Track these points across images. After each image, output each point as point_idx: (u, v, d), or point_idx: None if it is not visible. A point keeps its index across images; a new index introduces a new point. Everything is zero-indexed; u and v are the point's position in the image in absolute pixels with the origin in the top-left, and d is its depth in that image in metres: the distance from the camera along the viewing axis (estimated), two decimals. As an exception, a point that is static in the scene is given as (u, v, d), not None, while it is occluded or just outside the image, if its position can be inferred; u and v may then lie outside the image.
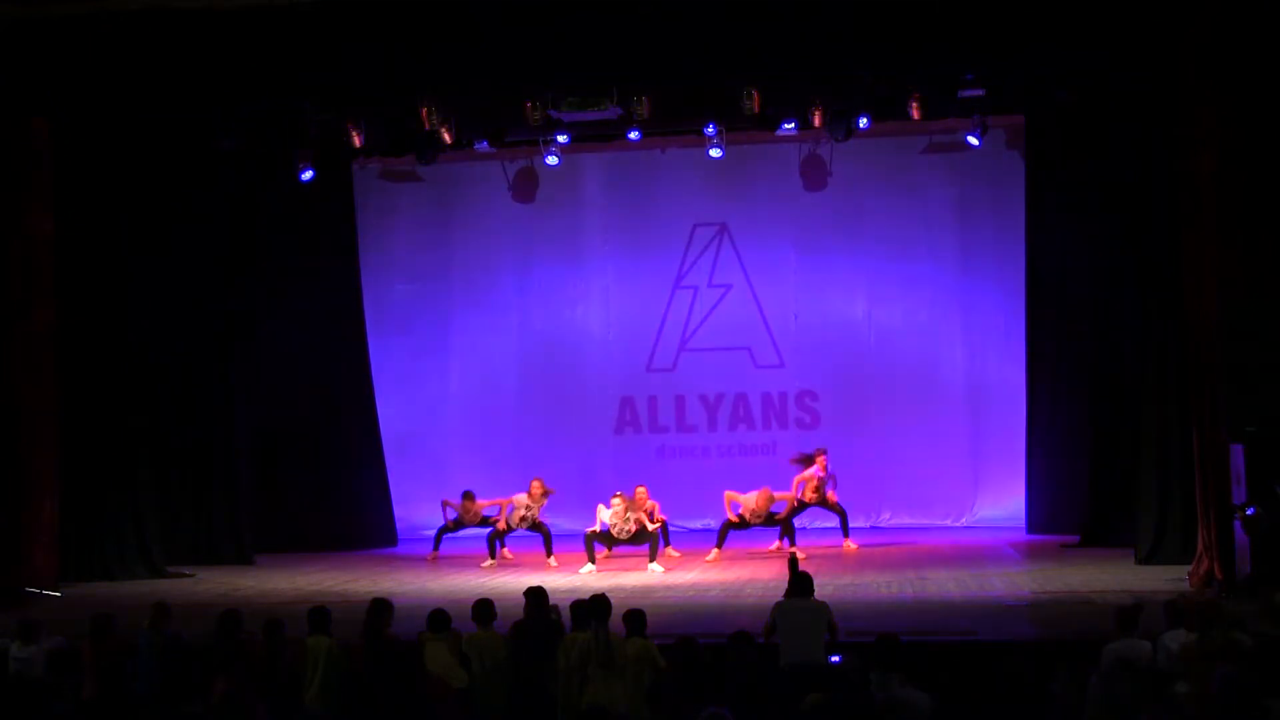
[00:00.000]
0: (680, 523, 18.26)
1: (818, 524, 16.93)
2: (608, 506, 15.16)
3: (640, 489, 15.48)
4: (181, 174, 16.73)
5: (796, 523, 15.90)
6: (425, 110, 14.87)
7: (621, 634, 9.13)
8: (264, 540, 17.26)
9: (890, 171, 18.50)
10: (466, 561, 15.93)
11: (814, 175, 18.65)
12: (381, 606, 9.67)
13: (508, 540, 16.13)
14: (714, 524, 17.99)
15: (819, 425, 18.41)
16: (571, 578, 14.44)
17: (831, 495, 16.03)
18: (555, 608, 9.91)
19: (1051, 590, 12.92)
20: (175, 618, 10.26)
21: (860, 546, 16.18)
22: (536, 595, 9.84)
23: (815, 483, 15.92)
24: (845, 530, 16.21)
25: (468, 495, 16.12)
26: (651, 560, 14.95)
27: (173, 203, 16.72)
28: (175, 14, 13.58)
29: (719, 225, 18.98)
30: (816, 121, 15.40)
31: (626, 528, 14.98)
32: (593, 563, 14.96)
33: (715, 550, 15.56)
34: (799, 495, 15.87)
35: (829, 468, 16.00)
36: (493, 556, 15.87)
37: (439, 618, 9.55)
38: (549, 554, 15.52)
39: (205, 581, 15.34)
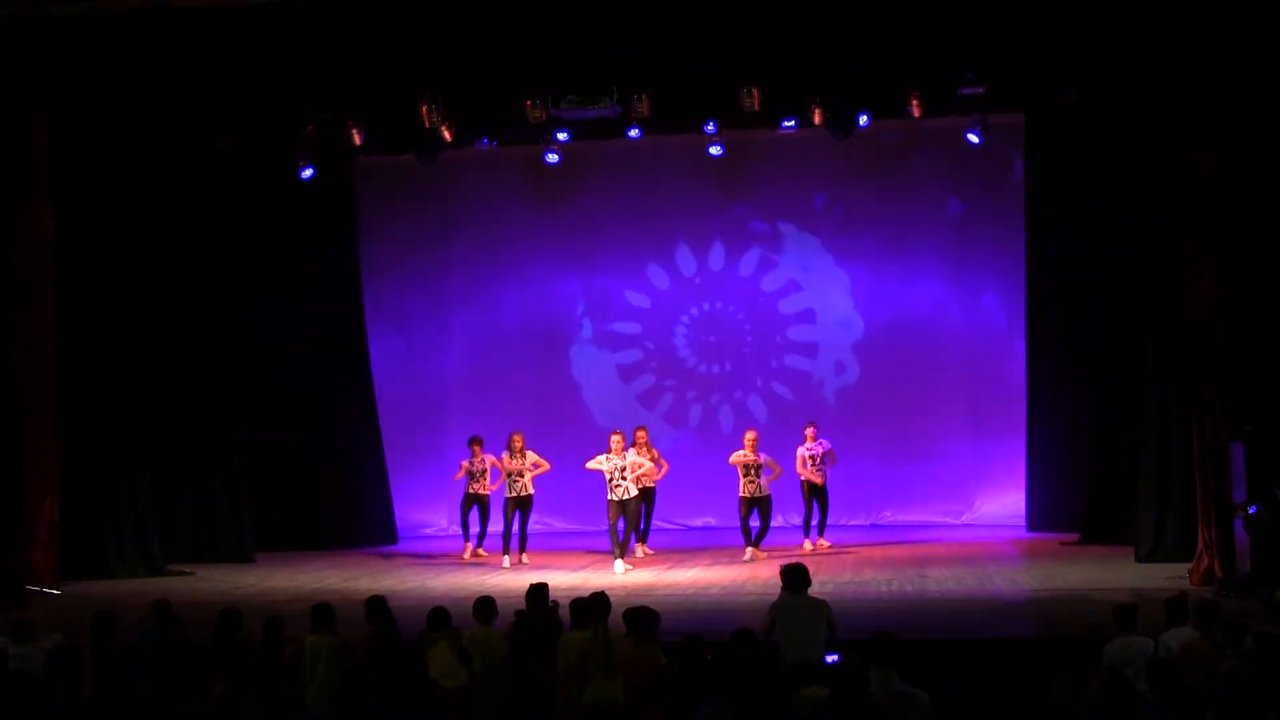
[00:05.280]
0: (680, 521, 18.31)
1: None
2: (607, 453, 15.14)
3: (641, 431, 15.56)
4: (181, 174, 16.73)
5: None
6: (425, 108, 14.88)
7: (622, 632, 9.13)
8: (264, 538, 17.26)
9: (890, 170, 18.51)
10: (469, 560, 16.00)
11: (813, 174, 18.66)
12: (379, 605, 9.66)
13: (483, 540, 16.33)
14: (714, 522, 18.07)
15: (820, 422, 18.39)
16: (572, 576, 14.44)
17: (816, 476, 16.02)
18: (555, 604, 9.92)
19: (1052, 588, 12.95)
20: (177, 615, 10.23)
21: (860, 545, 16.17)
22: (537, 592, 9.83)
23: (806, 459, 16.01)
24: (820, 526, 16.19)
25: (476, 440, 16.21)
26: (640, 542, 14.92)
27: (173, 202, 16.71)
28: (175, 14, 13.60)
29: (718, 223, 18.99)
30: (816, 119, 15.39)
31: (625, 468, 14.91)
32: (618, 558, 14.85)
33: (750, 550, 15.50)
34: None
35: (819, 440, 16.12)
36: (466, 539, 16.08)
37: (439, 616, 9.55)
38: (505, 551, 15.62)
39: (205, 579, 15.34)
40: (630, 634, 9.09)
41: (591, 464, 15.19)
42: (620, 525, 14.94)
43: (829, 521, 16.33)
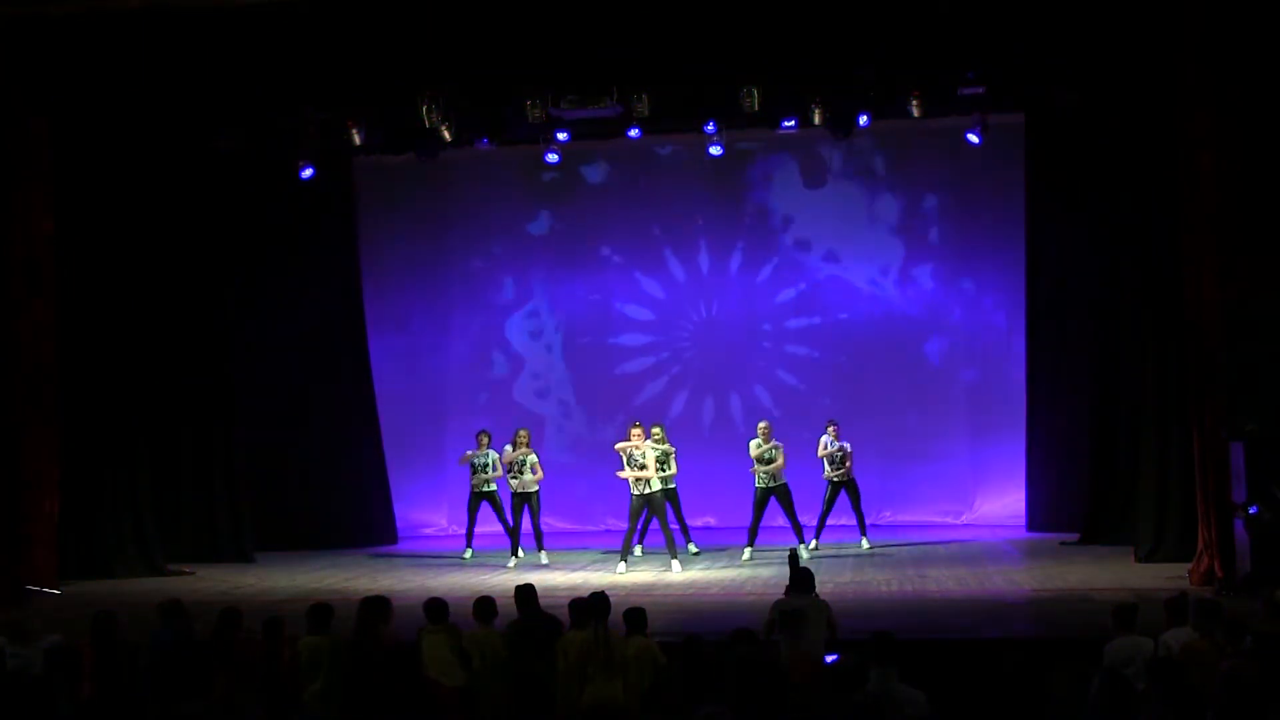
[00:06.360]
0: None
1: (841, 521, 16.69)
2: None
3: (657, 428, 15.45)
4: (181, 174, 16.73)
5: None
6: (425, 108, 14.88)
7: (622, 632, 9.13)
8: (264, 538, 17.27)
9: (890, 170, 18.54)
10: (470, 560, 16.00)
11: (814, 174, 18.67)
12: (375, 605, 9.63)
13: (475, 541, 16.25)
14: (714, 522, 18.05)
15: (820, 422, 18.40)
16: (572, 576, 14.44)
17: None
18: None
19: (1051, 588, 12.95)
20: (186, 613, 10.20)
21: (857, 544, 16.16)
22: (525, 593, 9.81)
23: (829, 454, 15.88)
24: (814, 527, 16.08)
25: (484, 432, 16.12)
26: (673, 557, 14.79)
27: (173, 203, 16.72)
28: (175, 14, 13.61)
29: (718, 223, 18.98)
30: (817, 119, 15.39)
31: (641, 456, 14.79)
32: (623, 560, 14.78)
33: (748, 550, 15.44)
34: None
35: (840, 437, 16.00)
36: (469, 543, 16.07)
37: (437, 607, 9.53)
38: (514, 552, 15.58)
39: (205, 579, 15.34)
40: (630, 634, 9.06)
41: (620, 445, 15.00)
42: (639, 524, 14.87)
43: (831, 523, 16.19)
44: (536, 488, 15.62)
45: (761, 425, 15.61)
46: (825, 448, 15.88)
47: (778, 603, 9.76)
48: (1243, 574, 12.30)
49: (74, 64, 14.40)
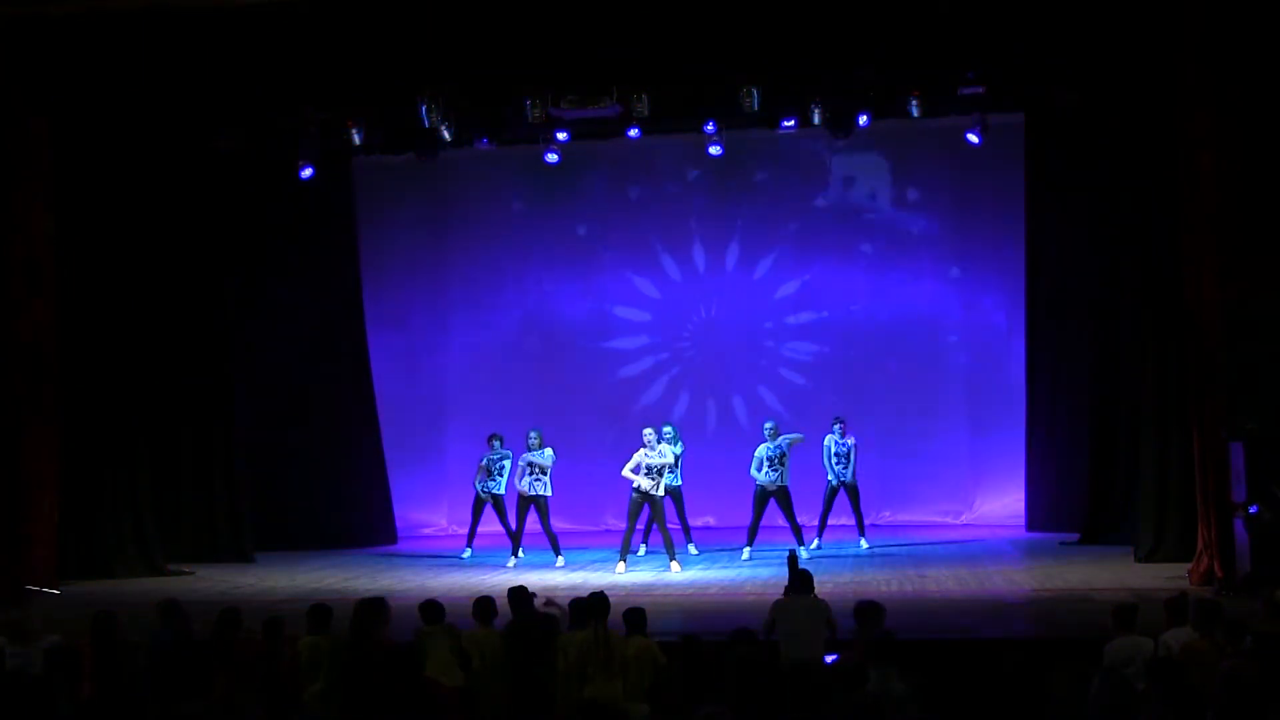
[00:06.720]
0: (679, 520, 18.28)
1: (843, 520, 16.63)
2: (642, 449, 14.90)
3: (668, 426, 15.42)
4: (181, 174, 16.72)
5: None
6: (425, 108, 14.88)
7: (622, 632, 9.13)
8: (264, 538, 17.26)
9: (890, 170, 18.54)
10: (469, 560, 15.99)
11: (813, 173, 18.67)
12: (370, 607, 9.60)
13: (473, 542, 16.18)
14: (714, 522, 18.05)
15: (821, 420, 18.40)
16: (572, 576, 14.44)
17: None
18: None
19: (1051, 588, 12.95)
20: (185, 613, 10.19)
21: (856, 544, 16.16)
22: (518, 595, 9.80)
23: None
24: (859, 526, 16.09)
25: (495, 435, 15.98)
26: (671, 559, 14.75)
27: (173, 202, 16.71)
28: (175, 14, 13.62)
29: (716, 223, 18.98)
30: (816, 119, 15.39)
31: (662, 467, 14.73)
32: (623, 560, 14.76)
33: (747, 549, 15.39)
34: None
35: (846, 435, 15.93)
36: (469, 543, 16.02)
37: (433, 608, 9.52)
38: (514, 553, 15.50)
39: (205, 579, 15.34)
40: (630, 634, 9.06)
41: (628, 470, 14.83)
42: (639, 525, 14.83)
43: (830, 523, 16.18)
44: (546, 492, 15.42)
45: (768, 426, 15.56)
46: (829, 458, 15.83)
47: (777, 603, 9.77)
48: (1243, 574, 12.30)
49: (74, 64, 14.40)
